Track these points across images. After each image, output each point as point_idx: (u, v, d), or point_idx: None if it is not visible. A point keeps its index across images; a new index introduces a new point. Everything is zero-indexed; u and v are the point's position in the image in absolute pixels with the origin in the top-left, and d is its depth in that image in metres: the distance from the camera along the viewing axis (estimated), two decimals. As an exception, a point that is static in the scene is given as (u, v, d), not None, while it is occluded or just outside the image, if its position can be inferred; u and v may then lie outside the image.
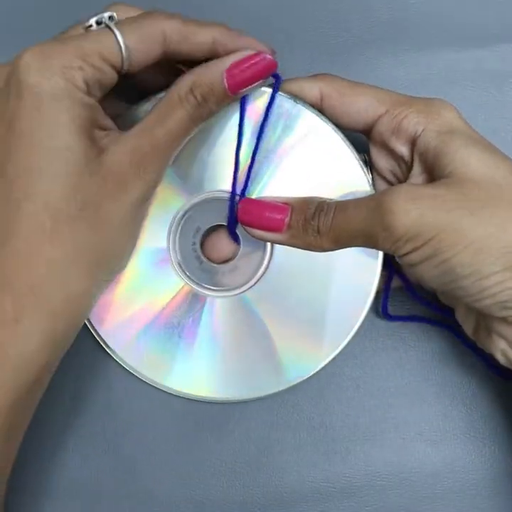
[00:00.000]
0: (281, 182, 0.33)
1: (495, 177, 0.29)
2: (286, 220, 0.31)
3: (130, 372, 0.34)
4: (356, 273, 0.33)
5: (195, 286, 0.34)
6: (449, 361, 0.37)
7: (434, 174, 0.31)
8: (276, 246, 0.34)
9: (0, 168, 0.28)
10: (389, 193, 0.29)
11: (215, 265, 0.34)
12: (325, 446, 0.37)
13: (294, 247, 0.31)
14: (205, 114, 0.30)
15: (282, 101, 0.33)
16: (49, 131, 0.27)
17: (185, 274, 0.34)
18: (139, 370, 0.34)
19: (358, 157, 0.33)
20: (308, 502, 0.37)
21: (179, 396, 0.35)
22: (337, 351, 0.34)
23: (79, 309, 0.29)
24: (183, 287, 0.34)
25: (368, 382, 0.37)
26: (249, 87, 0.31)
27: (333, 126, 0.33)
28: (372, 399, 0.37)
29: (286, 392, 0.34)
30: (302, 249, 0.31)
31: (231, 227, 0.34)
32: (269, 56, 0.31)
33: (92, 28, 0.30)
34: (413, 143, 0.32)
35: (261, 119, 0.33)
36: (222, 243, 0.35)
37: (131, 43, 0.29)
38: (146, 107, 0.33)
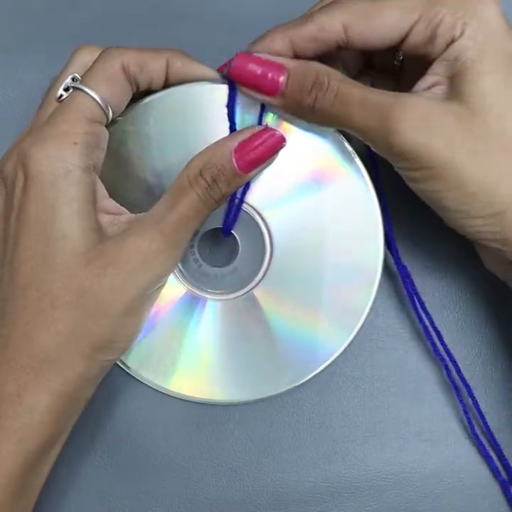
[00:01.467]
0: (277, 180, 0.33)
1: (509, 124, 0.28)
2: (282, 86, 0.29)
3: (131, 375, 0.34)
4: (357, 274, 0.33)
5: (194, 290, 0.34)
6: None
7: (453, 87, 0.29)
8: (276, 250, 0.33)
9: (10, 255, 0.29)
10: (399, 107, 0.28)
11: (214, 268, 0.34)
12: (325, 446, 0.37)
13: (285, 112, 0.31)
14: (217, 196, 0.30)
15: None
16: (49, 219, 0.28)
17: (185, 277, 0.34)
18: (140, 373, 0.34)
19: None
20: (308, 502, 0.37)
21: (180, 398, 0.35)
22: (338, 352, 0.34)
23: (79, 390, 0.29)
24: (182, 291, 0.34)
25: (368, 382, 0.37)
26: (261, 165, 0.31)
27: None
28: (372, 399, 0.37)
29: (286, 392, 0.34)
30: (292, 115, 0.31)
31: (227, 230, 0.34)
32: (278, 133, 0.31)
33: (63, 97, 0.31)
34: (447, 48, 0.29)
35: (256, 120, 0.32)
36: None
37: (103, 92, 0.30)
38: (145, 100, 0.32)
